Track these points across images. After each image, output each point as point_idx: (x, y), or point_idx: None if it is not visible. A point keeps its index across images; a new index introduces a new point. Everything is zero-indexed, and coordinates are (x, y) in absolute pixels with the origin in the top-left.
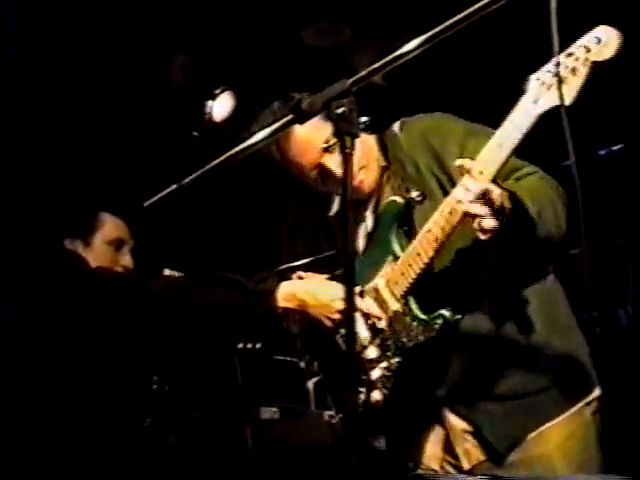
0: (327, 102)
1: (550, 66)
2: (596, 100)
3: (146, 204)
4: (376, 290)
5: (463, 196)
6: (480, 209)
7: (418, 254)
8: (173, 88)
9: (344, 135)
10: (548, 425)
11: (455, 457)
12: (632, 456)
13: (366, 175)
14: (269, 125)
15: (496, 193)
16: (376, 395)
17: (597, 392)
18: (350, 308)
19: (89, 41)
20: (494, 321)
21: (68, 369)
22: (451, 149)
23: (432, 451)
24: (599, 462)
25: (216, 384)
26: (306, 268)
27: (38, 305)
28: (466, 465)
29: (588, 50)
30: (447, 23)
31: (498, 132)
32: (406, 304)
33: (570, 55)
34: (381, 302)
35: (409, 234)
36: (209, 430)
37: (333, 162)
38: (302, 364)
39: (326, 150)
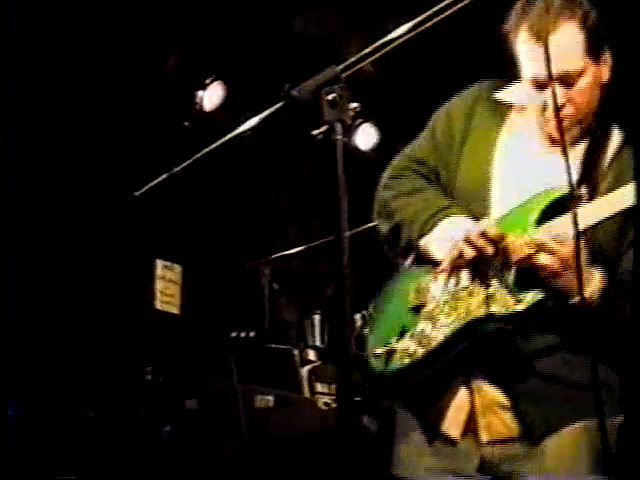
0: (317, 89)
1: None
2: None
3: (137, 193)
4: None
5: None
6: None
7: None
8: (163, 79)
9: (335, 121)
10: (585, 423)
11: (474, 428)
12: None
13: (572, 127)
14: None
15: None
16: (409, 345)
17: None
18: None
19: (79, 35)
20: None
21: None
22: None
23: (455, 417)
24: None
25: (210, 373)
26: (299, 256)
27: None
28: (484, 437)
29: None
30: (435, 8)
31: None
32: (505, 272)
33: None
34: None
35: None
36: (204, 420)
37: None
38: (296, 352)
39: None
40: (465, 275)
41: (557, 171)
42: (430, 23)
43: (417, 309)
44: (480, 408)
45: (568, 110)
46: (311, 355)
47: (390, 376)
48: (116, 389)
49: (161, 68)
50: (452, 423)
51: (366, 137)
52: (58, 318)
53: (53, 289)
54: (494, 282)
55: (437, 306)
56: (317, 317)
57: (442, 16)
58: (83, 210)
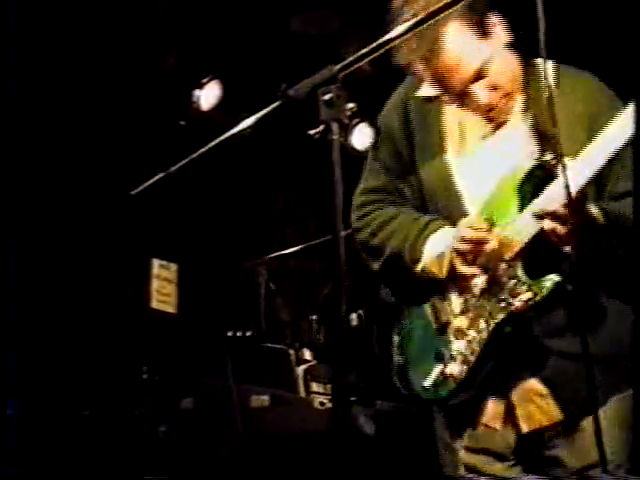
0: (314, 88)
1: None
2: None
3: (133, 193)
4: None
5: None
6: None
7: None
8: (160, 78)
9: (331, 121)
10: (621, 395)
11: (513, 419)
12: None
13: (506, 103)
14: None
15: None
16: (453, 368)
17: None
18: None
19: (79, 34)
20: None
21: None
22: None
23: (494, 410)
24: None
25: (206, 373)
26: (296, 256)
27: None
28: (525, 428)
29: None
30: (434, 8)
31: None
32: (511, 267)
33: None
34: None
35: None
36: (200, 419)
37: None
38: (292, 351)
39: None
40: (477, 282)
41: (512, 147)
42: (429, 23)
43: (442, 329)
44: (517, 400)
45: (498, 93)
46: (307, 354)
47: (441, 400)
48: (112, 388)
49: (158, 67)
50: (491, 416)
51: (363, 137)
52: (55, 317)
53: (51, 289)
54: (506, 280)
55: (461, 321)
56: (313, 316)
57: (441, 15)
58: (79, 209)
